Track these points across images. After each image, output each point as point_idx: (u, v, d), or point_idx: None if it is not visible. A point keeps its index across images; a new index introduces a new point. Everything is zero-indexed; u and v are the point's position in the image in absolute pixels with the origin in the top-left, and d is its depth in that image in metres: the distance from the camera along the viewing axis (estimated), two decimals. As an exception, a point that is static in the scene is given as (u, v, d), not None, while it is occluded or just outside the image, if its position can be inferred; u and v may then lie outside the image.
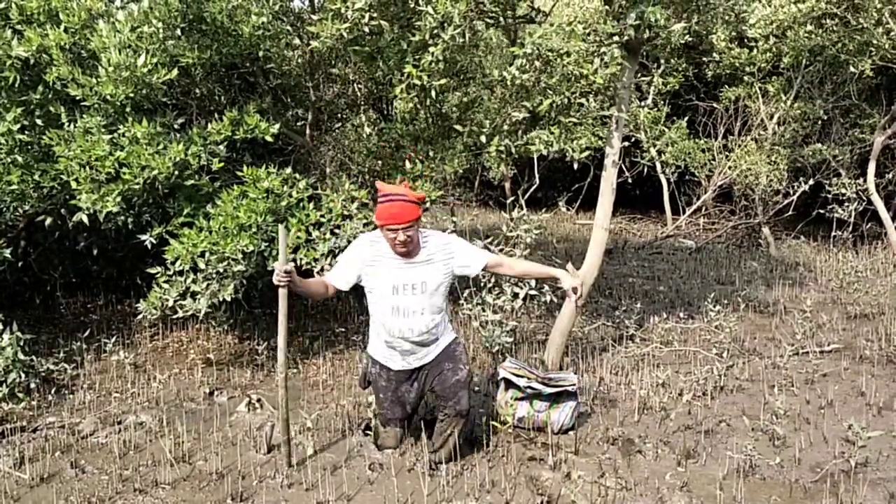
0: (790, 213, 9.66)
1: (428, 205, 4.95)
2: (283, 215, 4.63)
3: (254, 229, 4.43)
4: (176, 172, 4.36)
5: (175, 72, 4.26)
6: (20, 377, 4.27)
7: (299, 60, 5.39)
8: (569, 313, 4.84)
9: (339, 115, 6.18)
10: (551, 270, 3.59)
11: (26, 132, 4.40)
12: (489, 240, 5.13)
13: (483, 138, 4.84)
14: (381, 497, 3.31)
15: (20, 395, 4.25)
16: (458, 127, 4.97)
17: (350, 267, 3.45)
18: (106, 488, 3.37)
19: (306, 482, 3.44)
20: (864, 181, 9.17)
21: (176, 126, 4.60)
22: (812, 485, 3.44)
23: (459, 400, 3.50)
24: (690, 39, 8.40)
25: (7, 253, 4.67)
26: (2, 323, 4.38)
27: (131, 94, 4.15)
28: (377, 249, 3.41)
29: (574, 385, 3.98)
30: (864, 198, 9.23)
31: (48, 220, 4.82)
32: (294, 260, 4.55)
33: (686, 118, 10.20)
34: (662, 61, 9.60)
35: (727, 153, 9.84)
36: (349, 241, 4.72)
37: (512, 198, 6.00)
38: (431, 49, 4.23)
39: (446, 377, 3.51)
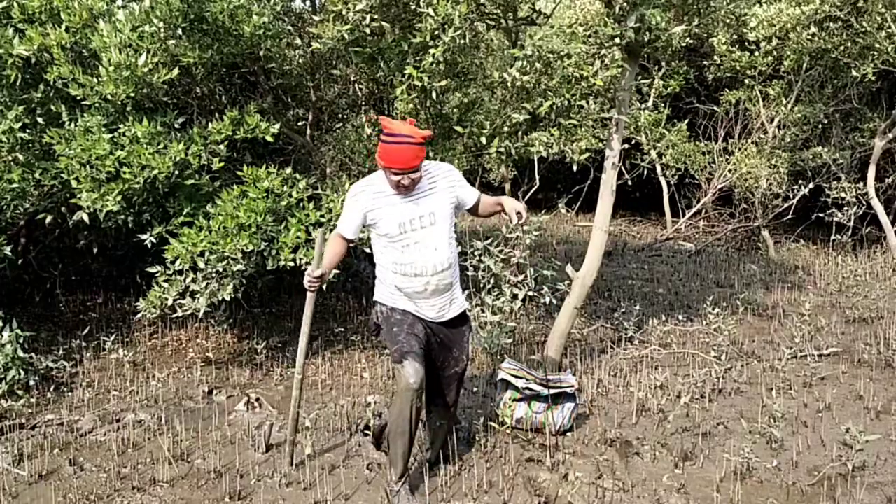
0: (790, 216, 9.66)
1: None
2: (283, 215, 4.64)
3: (253, 229, 4.43)
4: (176, 172, 4.38)
5: (176, 71, 4.27)
6: (19, 374, 4.28)
7: (300, 60, 5.40)
8: (568, 315, 4.84)
9: (340, 116, 6.18)
10: (499, 200, 3.40)
11: (27, 130, 4.41)
12: (489, 240, 5.14)
13: (483, 139, 4.85)
14: (379, 497, 3.31)
15: (19, 392, 4.26)
16: (458, 128, 4.97)
17: (353, 215, 3.20)
18: (104, 486, 3.38)
19: (304, 481, 3.44)
20: (864, 185, 9.17)
21: (176, 125, 4.61)
22: (809, 488, 3.45)
23: (450, 392, 3.44)
24: (691, 42, 8.41)
25: (7, 250, 4.67)
26: (1, 320, 4.39)
27: (132, 94, 4.16)
28: (373, 191, 3.16)
29: (572, 386, 3.99)
30: (864, 202, 9.23)
31: (48, 219, 4.82)
32: (294, 260, 4.55)
33: (686, 121, 10.20)
34: (663, 64, 9.60)
35: (727, 156, 9.84)
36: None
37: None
38: (432, 50, 4.24)
39: (448, 365, 3.39)
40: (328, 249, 3.29)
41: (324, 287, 4.84)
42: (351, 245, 3.39)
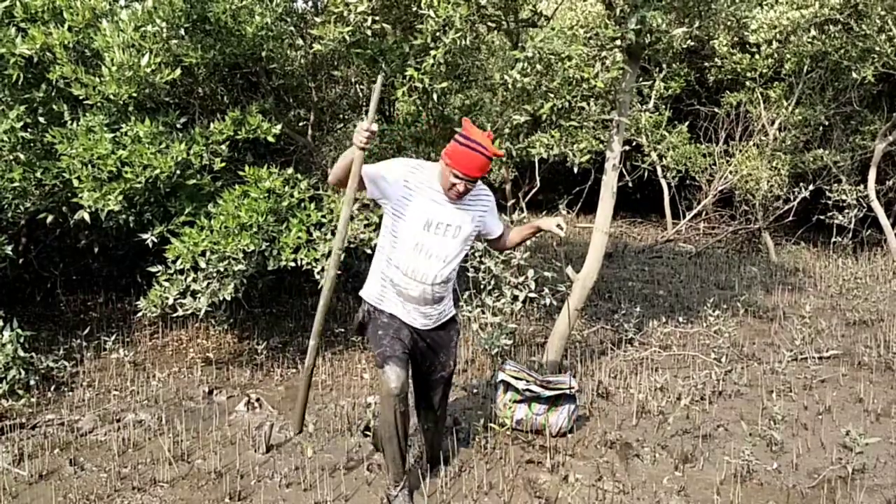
0: (790, 218, 9.67)
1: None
2: (284, 215, 4.64)
3: (255, 229, 4.44)
4: (178, 171, 4.38)
5: (178, 71, 4.27)
6: (20, 374, 4.28)
7: (302, 61, 5.41)
8: (568, 317, 4.85)
9: (341, 116, 6.19)
10: (533, 224, 3.37)
11: (29, 130, 4.41)
12: (489, 242, 5.13)
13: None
14: (379, 498, 3.31)
15: (20, 391, 4.26)
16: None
17: (392, 176, 3.06)
18: (104, 486, 3.38)
19: (304, 482, 3.44)
20: (865, 188, 9.18)
21: (178, 125, 4.61)
22: (809, 490, 3.45)
23: (435, 395, 3.39)
24: (692, 44, 8.41)
25: (8, 250, 4.68)
26: (2, 320, 4.39)
27: (134, 94, 4.16)
28: (420, 177, 3.08)
29: (572, 388, 3.99)
30: (865, 204, 9.24)
31: (49, 218, 4.83)
32: (295, 260, 4.55)
33: (687, 123, 10.21)
34: (664, 66, 9.61)
35: (728, 158, 9.85)
36: (350, 242, 4.73)
37: (513, 200, 6.02)
38: (433, 52, 4.24)
39: (434, 370, 3.32)
40: (341, 164, 3.07)
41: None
42: (361, 194, 3.27)
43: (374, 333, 3.19)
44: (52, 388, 4.50)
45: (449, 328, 3.34)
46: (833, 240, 9.48)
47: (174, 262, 4.45)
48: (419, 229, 3.04)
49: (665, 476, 3.56)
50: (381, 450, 3.46)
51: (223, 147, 4.60)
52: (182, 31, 4.43)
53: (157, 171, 4.25)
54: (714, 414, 4.33)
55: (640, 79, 8.96)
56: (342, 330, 5.80)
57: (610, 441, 3.92)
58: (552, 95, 4.50)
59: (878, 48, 7.64)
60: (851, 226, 9.10)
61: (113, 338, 5.24)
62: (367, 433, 3.89)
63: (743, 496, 3.38)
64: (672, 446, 3.88)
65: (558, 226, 3.24)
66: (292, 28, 5.23)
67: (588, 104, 4.72)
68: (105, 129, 4.34)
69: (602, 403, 4.47)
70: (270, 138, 4.68)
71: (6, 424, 3.97)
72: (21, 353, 4.31)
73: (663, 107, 10.01)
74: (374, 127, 2.96)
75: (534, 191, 7.02)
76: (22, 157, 4.40)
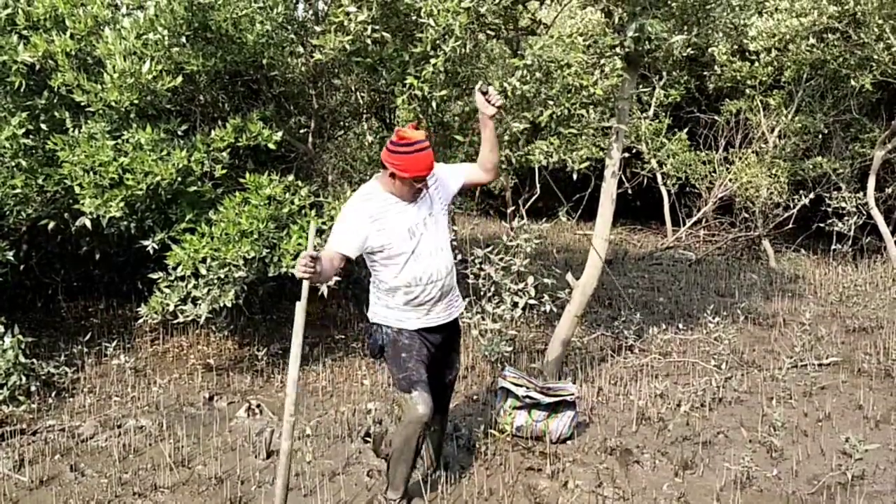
0: (790, 226, 9.67)
1: None
2: (284, 222, 4.65)
3: (255, 236, 4.45)
4: (179, 178, 4.40)
5: (179, 79, 4.30)
6: (21, 380, 4.28)
7: (302, 69, 5.43)
8: (568, 323, 4.86)
9: (342, 124, 6.21)
10: (485, 127, 3.18)
11: (31, 137, 4.44)
12: (489, 248, 5.15)
13: (484, 148, 4.86)
14: (377, 501, 3.31)
15: (20, 397, 4.26)
16: (459, 137, 5.00)
17: (356, 227, 3.03)
18: (105, 491, 3.39)
19: (304, 488, 3.45)
20: (864, 195, 9.19)
21: (179, 132, 4.63)
22: (809, 497, 3.45)
23: (447, 396, 3.47)
24: (692, 52, 8.45)
25: (10, 255, 4.69)
26: (3, 326, 4.40)
27: (136, 101, 4.19)
28: (379, 202, 3.07)
29: (572, 395, 4.00)
30: (864, 212, 9.24)
31: (51, 225, 4.85)
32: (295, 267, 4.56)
33: (687, 130, 10.23)
34: (664, 73, 9.64)
35: (728, 165, 9.87)
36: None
37: (512, 207, 6.04)
38: (433, 60, 4.27)
39: (448, 370, 3.38)
40: (323, 257, 2.96)
41: (325, 293, 4.87)
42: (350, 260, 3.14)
43: (397, 356, 3.15)
44: (52, 394, 4.51)
45: (456, 326, 3.40)
46: (833, 247, 9.48)
47: (175, 268, 4.47)
48: (408, 240, 3.06)
49: (665, 482, 3.56)
50: (384, 458, 3.47)
51: (224, 154, 4.62)
52: (183, 39, 4.46)
53: (159, 177, 4.27)
54: (714, 420, 4.33)
55: (640, 86, 9.00)
56: (342, 336, 5.81)
57: (610, 447, 3.92)
58: (551, 103, 4.52)
59: (876, 56, 7.67)
60: (851, 233, 9.10)
61: (114, 344, 5.25)
62: (368, 439, 3.89)
63: (743, 503, 3.38)
64: (672, 453, 3.88)
65: (484, 93, 3.09)
66: (293, 36, 5.26)
67: (587, 111, 4.73)
68: (107, 136, 4.36)
69: (602, 410, 4.48)
70: (271, 145, 4.70)
71: (7, 430, 3.98)
72: (22, 359, 4.32)
73: (663, 114, 10.04)
74: (315, 253, 2.83)
75: (534, 198, 7.04)
76: (24, 163, 4.43)
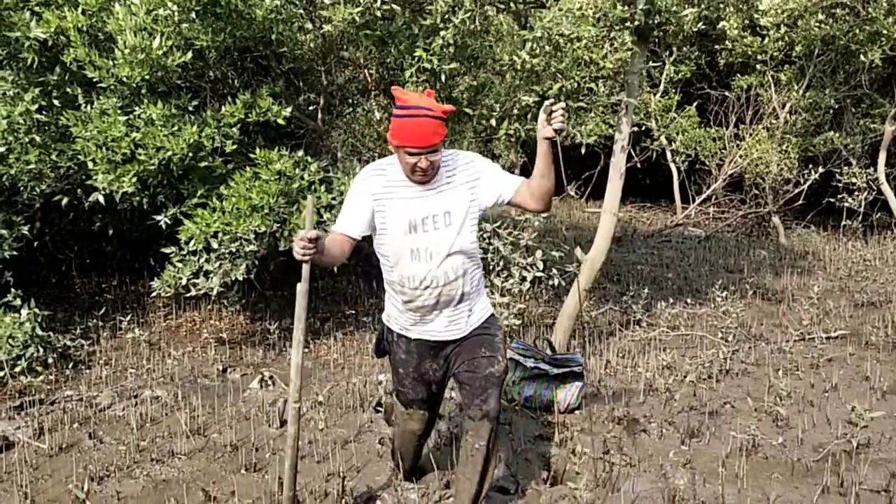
0: (800, 202, 9.65)
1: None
2: (294, 197, 4.69)
3: (266, 210, 4.50)
4: (190, 154, 4.43)
5: (189, 54, 4.32)
6: (38, 351, 4.37)
7: (311, 44, 5.44)
8: (576, 297, 4.89)
9: (351, 100, 6.22)
10: (541, 147, 2.60)
11: (44, 113, 4.48)
12: (498, 224, 5.19)
13: (493, 122, 4.88)
14: (390, 468, 3.39)
15: (38, 368, 4.35)
16: (468, 111, 5.01)
17: (359, 206, 2.66)
18: (123, 458, 3.47)
19: (317, 454, 3.52)
20: (875, 171, 9.16)
21: (190, 108, 4.66)
22: (814, 464, 3.49)
23: (488, 398, 2.72)
24: (702, 27, 8.39)
25: (25, 230, 4.76)
26: (20, 298, 4.48)
27: (147, 77, 4.21)
28: (388, 178, 2.66)
29: (580, 366, 4.05)
30: (875, 187, 9.22)
31: (64, 200, 4.90)
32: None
33: (697, 106, 10.18)
34: (674, 49, 9.58)
35: (738, 142, 9.83)
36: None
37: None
38: (442, 33, 4.28)
39: (479, 364, 2.75)
40: (329, 239, 2.66)
41: (336, 269, 4.92)
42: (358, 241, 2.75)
43: (395, 370, 2.94)
44: (69, 366, 4.60)
45: (481, 325, 2.83)
46: (843, 223, 9.46)
47: (187, 243, 4.52)
48: (406, 233, 2.63)
49: (671, 450, 3.61)
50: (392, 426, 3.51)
51: (234, 130, 4.64)
52: (193, 15, 4.47)
53: (170, 153, 4.31)
54: (721, 391, 4.38)
55: (650, 61, 8.95)
56: (353, 311, 5.87)
57: (617, 417, 3.98)
58: (561, 76, 4.53)
59: (885, 31, 7.60)
60: (861, 209, 9.08)
61: (128, 318, 5.33)
62: (379, 409, 3.96)
63: (748, 469, 3.43)
64: (679, 422, 3.93)
65: (550, 113, 2.54)
66: (301, 11, 5.26)
67: (597, 85, 4.74)
68: (118, 111, 4.40)
69: (610, 381, 4.52)
70: (281, 121, 4.72)
71: (26, 400, 4.07)
72: (39, 332, 4.40)
73: (673, 90, 9.99)
74: (313, 233, 2.46)
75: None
76: (37, 139, 4.47)
